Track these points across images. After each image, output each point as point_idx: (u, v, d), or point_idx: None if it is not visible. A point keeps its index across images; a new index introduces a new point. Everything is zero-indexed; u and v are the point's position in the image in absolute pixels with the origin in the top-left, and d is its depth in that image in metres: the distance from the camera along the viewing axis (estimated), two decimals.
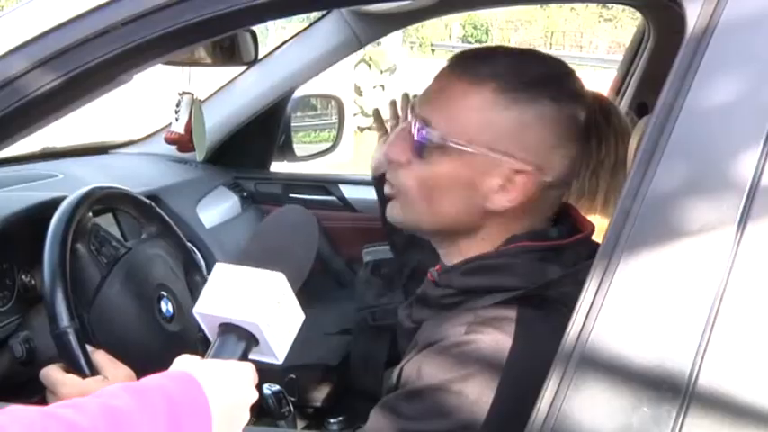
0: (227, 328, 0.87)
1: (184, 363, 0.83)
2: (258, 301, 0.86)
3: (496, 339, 1.00)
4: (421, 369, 1.02)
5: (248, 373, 0.86)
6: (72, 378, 1.11)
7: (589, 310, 0.82)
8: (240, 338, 0.86)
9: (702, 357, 0.77)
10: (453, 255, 1.14)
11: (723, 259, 0.79)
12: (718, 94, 0.82)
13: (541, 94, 1.07)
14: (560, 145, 1.09)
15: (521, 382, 0.95)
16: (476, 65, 1.09)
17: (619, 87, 2.55)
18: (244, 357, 0.87)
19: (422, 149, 1.08)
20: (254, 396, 0.86)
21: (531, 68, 1.10)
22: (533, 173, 1.07)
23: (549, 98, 1.08)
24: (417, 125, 1.08)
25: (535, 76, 1.09)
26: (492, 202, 1.08)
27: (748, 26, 0.83)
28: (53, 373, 1.12)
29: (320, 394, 1.87)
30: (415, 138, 1.08)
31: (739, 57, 0.83)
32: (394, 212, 1.16)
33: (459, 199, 1.09)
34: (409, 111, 1.14)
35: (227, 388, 0.82)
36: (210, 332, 0.88)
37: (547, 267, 1.07)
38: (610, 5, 15.89)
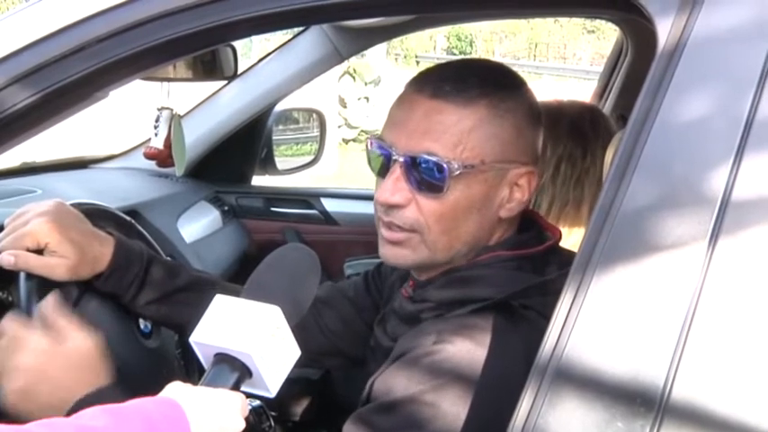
0: (222, 358, 0.88)
1: (173, 389, 0.84)
2: (252, 332, 0.87)
3: (466, 348, 1.00)
4: (393, 381, 1.02)
5: (236, 402, 0.87)
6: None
7: (564, 324, 0.82)
8: (234, 369, 0.88)
9: (676, 371, 0.77)
10: (427, 270, 1.14)
11: (696, 273, 0.79)
12: (690, 110, 0.83)
13: (521, 94, 1.11)
14: (543, 140, 1.14)
15: (492, 389, 0.96)
16: (459, 85, 1.07)
17: (598, 100, 2.57)
18: (236, 387, 0.88)
19: (434, 183, 1.05)
20: (241, 425, 0.86)
21: (502, 74, 1.13)
22: (534, 172, 1.11)
23: (527, 96, 1.12)
24: (419, 160, 1.05)
25: (509, 79, 1.12)
26: (506, 210, 1.11)
27: (718, 42, 0.84)
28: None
29: (301, 408, 1.86)
30: (424, 173, 1.05)
31: (710, 72, 0.84)
32: (401, 256, 1.11)
33: (476, 219, 1.09)
34: (391, 149, 1.07)
35: (212, 415, 0.82)
36: (206, 361, 0.90)
37: (521, 276, 1.08)
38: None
